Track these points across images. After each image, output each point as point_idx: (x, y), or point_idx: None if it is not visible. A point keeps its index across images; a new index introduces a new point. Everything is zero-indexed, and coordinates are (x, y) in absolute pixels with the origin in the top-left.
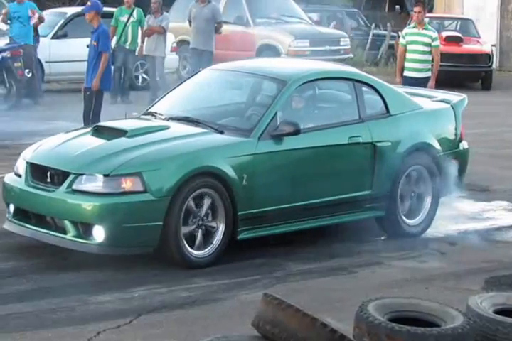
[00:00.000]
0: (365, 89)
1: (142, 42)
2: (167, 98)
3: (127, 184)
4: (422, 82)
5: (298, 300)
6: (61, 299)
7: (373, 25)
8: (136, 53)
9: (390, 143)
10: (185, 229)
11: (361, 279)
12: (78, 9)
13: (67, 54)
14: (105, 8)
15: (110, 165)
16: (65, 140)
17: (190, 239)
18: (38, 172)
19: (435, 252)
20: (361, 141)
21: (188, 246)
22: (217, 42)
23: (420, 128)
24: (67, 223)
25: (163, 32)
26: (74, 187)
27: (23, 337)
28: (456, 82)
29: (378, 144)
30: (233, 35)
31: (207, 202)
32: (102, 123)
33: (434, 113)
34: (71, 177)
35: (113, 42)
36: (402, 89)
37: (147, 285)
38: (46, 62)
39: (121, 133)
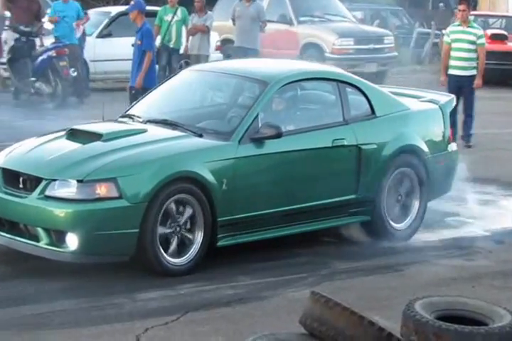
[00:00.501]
0: (349, 90)
1: (186, 41)
2: (146, 100)
3: (102, 190)
4: (467, 81)
5: (344, 298)
6: (109, 296)
7: (417, 23)
8: (181, 52)
9: (375, 146)
10: (161, 230)
11: (408, 277)
12: (122, 8)
13: (111, 53)
14: (149, 7)
15: (84, 171)
16: (38, 144)
17: (166, 243)
18: (10, 177)
19: (482, 250)
20: (346, 143)
21: (165, 254)
22: (261, 41)
23: (407, 130)
24: (39, 230)
25: (207, 31)
26: (47, 193)
27: (72, 333)
28: (501, 81)
29: (363, 147)
30: (277, 33)
31: (182, 207)
32: (76, 127)
33: (422, 114)
34: (44, 183)
35: (157, 41)
36: (389, 90)
37: (193, 283)
38: (91, 61)
39: (96, 136)
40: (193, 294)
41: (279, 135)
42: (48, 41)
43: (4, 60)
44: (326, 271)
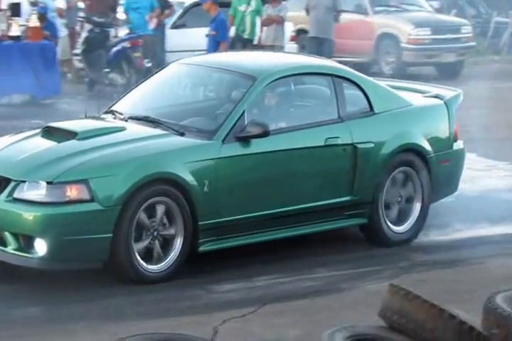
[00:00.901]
0: (346, 85)
1: (261, 31)
2: (131, 95)
3: (72, 192)
4: None
5: (423, 291)
6: (186, 288)
7: (495, 12)
8: (255, 43)
9: (372, 145)
10: (139, 245)
11: (487, 271)
12: None
13: (186, 43)
14: None
15: (54, 172)
16: (11, 142)
17: (148, 253)
18: None
19: None
20: (340, 142)
21: (140, 260)
22: (335, 31)
23: (408, 128)
24: (7, 235)
25: (281, 21)
26: (15, 195)
27: (150, 324)
28: None
29: (359, 146)
30: (351, 23)
31: (160, 211)
32: (52, 124)
33: (425, 110)
34: (12, 184)
35: (231, 32)
36: (393, 84)
37: (270, 275)
38: (166, 51)
39: (71, 135)
40: (271, 286)
41: (265, 133)
42: (122, 32)
43: (78, 51)
44: (404, 263)
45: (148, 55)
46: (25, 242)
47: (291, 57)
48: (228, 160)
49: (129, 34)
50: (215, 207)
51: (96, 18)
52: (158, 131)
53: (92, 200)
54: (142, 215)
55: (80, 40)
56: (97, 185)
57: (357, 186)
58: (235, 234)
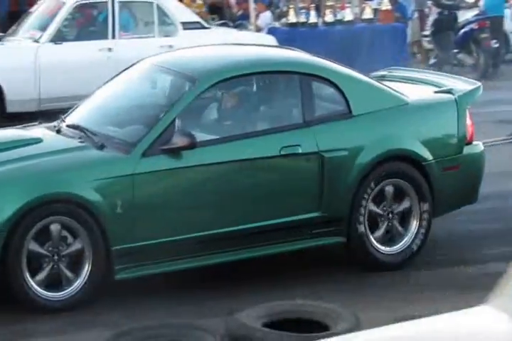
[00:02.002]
0: (316, 83)
1: None
2: (94, 97)
3: None
4: None
5: None
6: None
7: None
8: None
9: (345, 153)
10: (40, 276)
11: None
12: None
13: None
14: None
15: None
16: None
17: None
18: None
19: None
20: (300, 151)
21: (35, 286)
22: None
23: (396, 131)
24: None
25: None
26: None
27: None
28: None
29: (327, 154)
30: None
31: (55, 229)
32: None
33: (424, 109)
34: None
35: None
36: (410, 75)
37: None
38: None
39: None
40: None
41: (191, 145)
42: (470, 14)
43: (427, 32)
44: None
45: (495, 36)
46: None
47: (253, 52)
48: (148, 176)
49: (477, 15)
50: (132, 230)
51: (444, 1)
52: (74, 144)
53: None
54: (32, 244)
55: (429, 22)
56: None
57: (326, 201)
58: (161, 259)
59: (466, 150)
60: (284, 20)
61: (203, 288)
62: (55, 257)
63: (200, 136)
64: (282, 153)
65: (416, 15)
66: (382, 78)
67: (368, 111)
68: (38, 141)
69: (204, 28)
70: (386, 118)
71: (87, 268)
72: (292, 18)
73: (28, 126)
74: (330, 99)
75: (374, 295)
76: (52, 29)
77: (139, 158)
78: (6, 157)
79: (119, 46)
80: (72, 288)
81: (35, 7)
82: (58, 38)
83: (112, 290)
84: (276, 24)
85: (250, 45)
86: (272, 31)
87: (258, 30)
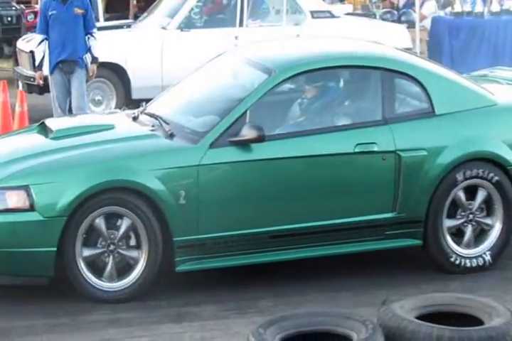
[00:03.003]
0: (399, 80)
1: None
2: (177, 86)
3: (12, 199)
4: None
5: None
6: None
7: None
8: None
9: (425, 152)
10: (89, 250)
11: None
12: None
13: None
14: None
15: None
16: (8, 136)
17: (101, 265)
18: None
19: None
20: (376, 149)
21: (91, 277)
22: None
23: (480, 132)
24: None
25: None
26: None
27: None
28: None
29: (404, 154)
30: None
31: (124, 225)
32: (46, 120)
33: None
34: None
35: None
36: (509, 74)
37: None
38: None
39: (48, 133)
40: None
41: (260, 139)
42: None
43: None
44: None
45: None
46: None
47: (338, 47)
48: (214, 167)
49: None
50: (193, 222)
51: None
52: (144, 131)
53: (32, 209)
54: (95, 227)
55: None
56: (39, 193)
57: (401, 201)
58: (223, 253)
59: None
60: (449, 9)
61: (358, 278)
62: (111, 247)
63: (271, 130)
64: (357, 150)
65: None
66: (483, 77)
67: (452, 110)
68: (110, 127)
69: (333, 16)
70: (471, 119)
71: (143, 259)
72: (458, 7)
73: (111, 112)
74: (413, 96)
75: None
76: (180, 16)
77: (207, 149)
78: (75, 142)
79: (246, 34)
80: (128, 279)
81: None
82: (186, 25)
83: (268, 277)
84: (441, 13)
85: (347, 39)
86: (436, 20)
87: (422, 18)
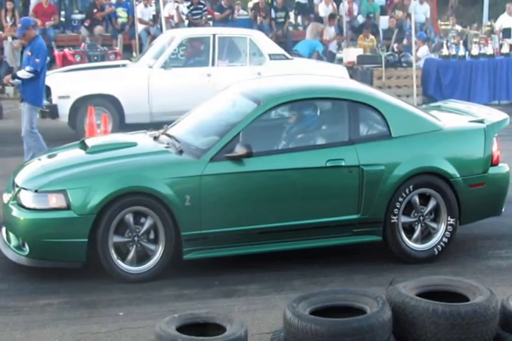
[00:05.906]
0: (363, 109)
1: None
2: (192, 113)
3: (52, 200)
4: None
5: None
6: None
7: None
8: None
9: (383, 167)
10: (117, 239)
11: None
12: None
13: None
14: None
15: (42, 181)
16: (55, 150)
17: (123, 251)
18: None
19: None
20: (343, 164)
21: (120, 262)
22: None
23: (428, 151)
24: (10, 232)
25: None
26: (18, 200)
27: None
28: None
29: (366, 168)
30: None
31: (148, 222)
32: (86, 138)
33: (455, 134)
34: (17, 190)
35: None
36: (449, 106)
37: None
38: None
39: (85, 148)
40: None
41: (249, 154)
42: None
43: None
44: None
45: None
46: (22, 241)
47: (304, 82)
48: (213, 177)
49: None
50: (197, 220)
51: None
52: (160, 148)
53: (68, 208)
54: (122, 222)
55: None
56: (74, 195)
57: (364, 206)
58: (221, 245)
59: (492, 170)
60: (438, 52)
61: (371, 264)
62: (136, 238)
63: (259, 148)
64: (328, 164)
65: None
66: (436, 108)
67: (405, 134)
68: (133, 144)
69: (287, 58)
70: (420, 141)
71: (160, 249)
72: (445, 51)
73: (137, 132)
74: (373, 122)
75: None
76: (163, 57)
77: (207, 163)
78: (105, 156)
79: (217, 72)
80: (148, 264)
81: (154, 41)
82: (168, 64)
83: (299, 263)
84: (432, 55)
85: (319, 75)
86: (428, 61)
87: (417, 59)
